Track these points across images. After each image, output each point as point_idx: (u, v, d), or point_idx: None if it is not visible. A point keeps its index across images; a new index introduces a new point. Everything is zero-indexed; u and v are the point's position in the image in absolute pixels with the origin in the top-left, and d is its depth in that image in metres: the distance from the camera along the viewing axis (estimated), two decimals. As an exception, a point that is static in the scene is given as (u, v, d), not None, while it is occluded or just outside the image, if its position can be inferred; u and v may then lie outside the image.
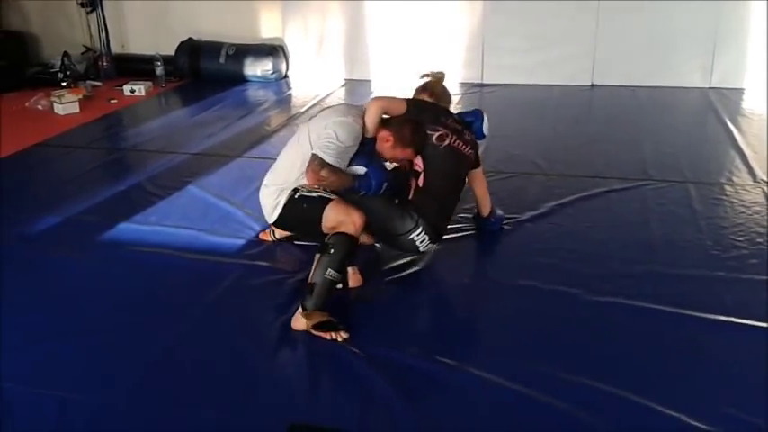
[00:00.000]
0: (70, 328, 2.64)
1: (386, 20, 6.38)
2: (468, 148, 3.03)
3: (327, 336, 2.52)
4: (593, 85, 6.04)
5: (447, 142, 2.94)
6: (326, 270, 2.57)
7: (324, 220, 2.75)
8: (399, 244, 2.93)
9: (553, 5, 5.95)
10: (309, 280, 2.60)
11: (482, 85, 6.25)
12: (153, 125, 5.35)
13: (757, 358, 2.38)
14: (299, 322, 2.57)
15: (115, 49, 6.88)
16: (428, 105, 3.11)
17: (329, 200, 2.77)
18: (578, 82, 6.05)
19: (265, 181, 3.01)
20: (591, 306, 2.71)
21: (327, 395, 2.29)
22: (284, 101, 6.05)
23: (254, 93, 6.27)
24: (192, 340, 2.56)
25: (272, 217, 2.96)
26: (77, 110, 5.65)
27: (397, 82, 6.26)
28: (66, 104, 5.64)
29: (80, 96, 5.81)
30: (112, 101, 5.98)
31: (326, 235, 2.70)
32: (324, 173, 2.72)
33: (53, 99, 5.69)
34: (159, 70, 6.43)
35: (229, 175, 4.22)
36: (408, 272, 2.99)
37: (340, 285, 2.74)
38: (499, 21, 6.15)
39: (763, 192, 3.70)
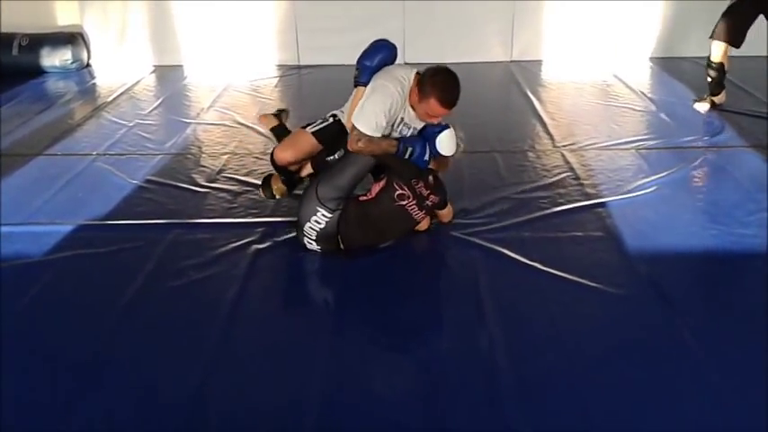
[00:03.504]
0: None
1: (194, 2, 6.15)
2: (423, 213, 2.96)
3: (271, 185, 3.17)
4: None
5: (403, 203, 2.89)
6: None
7: None
8: (306, 206, 2.93)
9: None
10: None
11: (299, 67, 6.22)
12: (-63, 127, 4.80)
13: (557, 302, 2.63)
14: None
15: None
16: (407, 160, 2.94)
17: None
18: (391, 61, 6.18)
19: None
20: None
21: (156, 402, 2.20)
22: (88, 91, 5.67)
23: (53, 85, 5.82)
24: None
25: None
26: None
27: (211, 66, 6.16)
28: None
29: None
30: None
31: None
32: (361, 144, 2.84)
33: None
34: (-59, 66, 5.79)
35: (29, 175, 3.90)
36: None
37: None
38: (308, 1, 6.12)
39: (562, 155, 4.02)
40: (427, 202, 2.96)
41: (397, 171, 2.92)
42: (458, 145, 2.96)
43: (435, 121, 2.94)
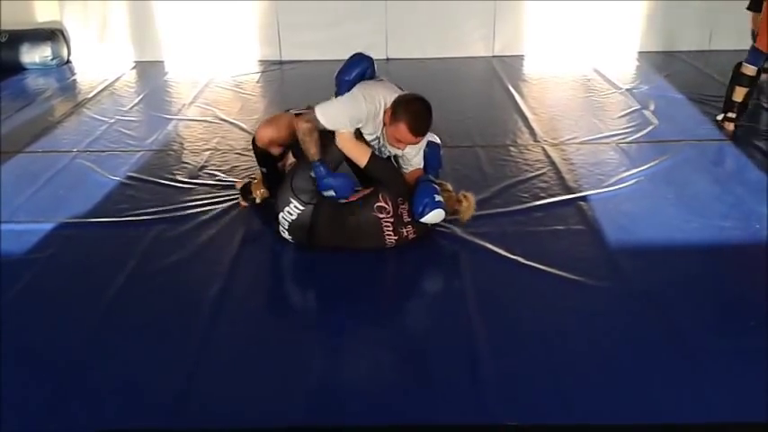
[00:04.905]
0: None
1: (174, -2, 6.13)
2: (395, 237, 2.90)
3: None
4: (388, 59, 6.21)
5: (381, 216, 2.86)
6: None
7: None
8: (281, 196, 2.94)
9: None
10: None
11: (281, 63, 6.22)
12: None
13: (538, 295, 2.65)
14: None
15: None
16: (400, 177, 2.99)
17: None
18: (374, 56, 6.13)
19: None
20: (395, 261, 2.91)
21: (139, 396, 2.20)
22: (68, 88, 5.63)
23: (33, 81, 5.78)
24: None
25: None
26: None
27: (192, 62, 6.12)
28: None
29: None
30: None
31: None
32: (306, 125, 2.84)
33: None
34: None
35: (9, 173, 3.86)
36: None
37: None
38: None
39: (543, 150, 4.04)
40: (403, 228, 2.90)
41: (388, 184, 2.90)
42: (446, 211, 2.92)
43: (402, 147, 2.93)
